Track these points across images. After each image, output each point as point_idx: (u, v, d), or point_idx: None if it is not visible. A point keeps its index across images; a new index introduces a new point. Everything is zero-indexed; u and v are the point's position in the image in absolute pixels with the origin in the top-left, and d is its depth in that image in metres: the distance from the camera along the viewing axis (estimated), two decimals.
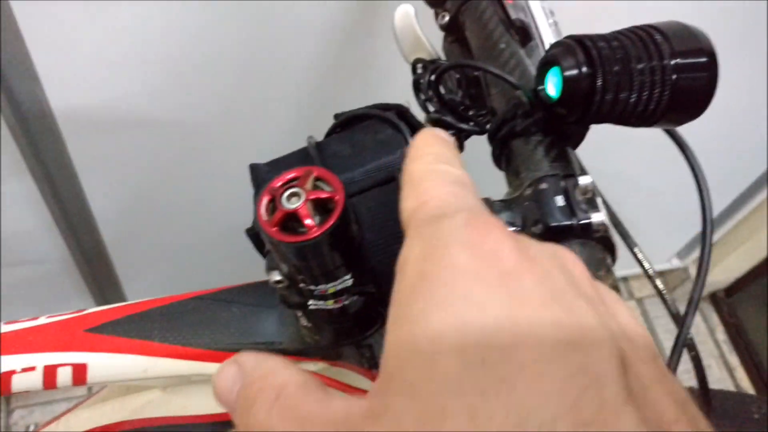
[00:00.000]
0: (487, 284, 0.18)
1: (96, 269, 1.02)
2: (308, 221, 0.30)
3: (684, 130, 0.38)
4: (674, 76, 0.32)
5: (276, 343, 0.40)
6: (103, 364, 0.42)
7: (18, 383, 0.43)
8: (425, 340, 0.18)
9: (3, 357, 0.43)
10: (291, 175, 0.31)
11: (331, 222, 0.30)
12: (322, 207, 0.31)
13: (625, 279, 1.63)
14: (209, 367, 0.41)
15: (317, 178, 0.31)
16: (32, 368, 0.43)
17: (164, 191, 0.90)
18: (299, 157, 0.38)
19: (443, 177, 0.23)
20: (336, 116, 0.40)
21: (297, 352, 0.40)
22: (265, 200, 0.31)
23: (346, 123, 0.39)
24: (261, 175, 0.38)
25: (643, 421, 0.17)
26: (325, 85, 0.80)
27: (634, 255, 0.47)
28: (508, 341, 0.17)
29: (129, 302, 0.44)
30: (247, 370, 0.23)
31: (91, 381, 0.42)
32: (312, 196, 0.30)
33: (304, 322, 0.38)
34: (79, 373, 0.42)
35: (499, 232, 0.20)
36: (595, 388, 0.17)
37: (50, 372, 0.42)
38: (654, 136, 0.44)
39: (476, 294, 0.18)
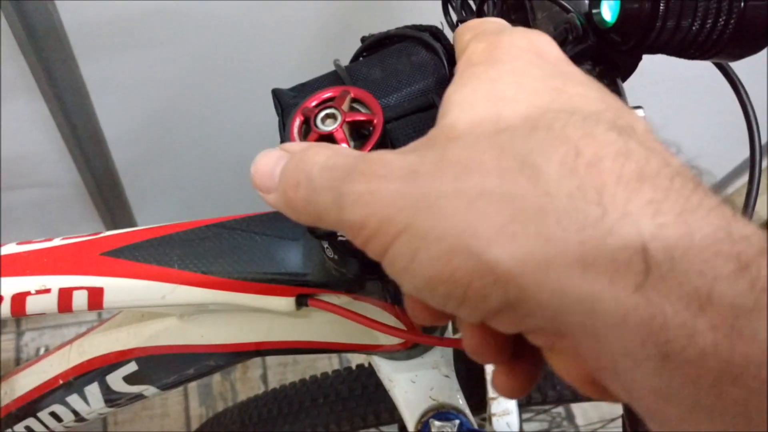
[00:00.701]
0: (541, 65, 0.23)
1: (106, 194, 1.01)
2: (345, 145, 0.28)
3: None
4: (742, 4, 0.30)
5: (300, 274, 0.39)
6: (120, 289, 0.40)
7: (32, 305, 0.42)
8: (494, 75, 0.22)
9: (17, 278, 0.42)
10: (327, 94, 0.29)
11: (369, 146, 0.28)
12: (357, 131, 0.29)
13: None
14: (229, 296, 0.39)
15: (354, 99, 0.29)
16: (47, 290, 0.42)
17: (178, 115, 0.87)
18: (327, 82, 0.36)
19: (496, 20, 0.27)
20: (363, 39, 0.37)
21: (321, 285, 0.39)
22: (297, 121, 0.29)
23: (375, 46, 0.37)
24: (286, 100, 0.36)
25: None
26: (347, 5, 0.77)
27: None
28: (565, 84, 0.22)
29: (147, 226, 0.42)
30: (294, 150, 0.24)
31: (108, 306, 0.41)
32: (349, 119, 0.28)
33: (330, 254, 0.36)
34: (95, 297, 0.41)
35: (546, 38, 0.25)
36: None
37: (65, 295, 0.41)
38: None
39: (535, 70, 0.22)
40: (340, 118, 0.28)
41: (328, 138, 0.28)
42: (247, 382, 1.33)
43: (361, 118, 0.28)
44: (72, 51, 0.72)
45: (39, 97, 0.81)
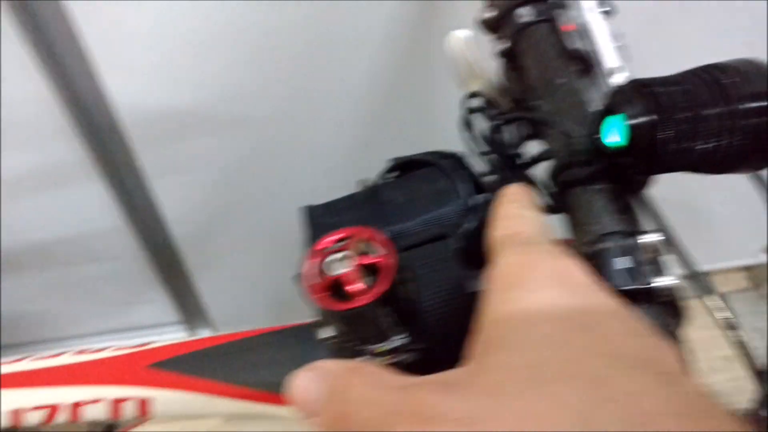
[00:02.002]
0: (568, 287, 0.24)
1: (166, 266, 1.05)
2: (355, 287, 0.29)
3: None
4: (744, 122, 0.30)
5: None
6: (165, 400, 0.43)
7: (87, 413, 0.45)
8: (524, 313, 0.23)
9: (74, 387, 0.45)
10: (339, 236, 0.31)
11: (379, 288, 0.29)
12: (371, 268, 0.30)
13: (708, 273, 1.55)
14: (268, 409, 0.41)
15: (366, 240, 0.31)
16: (100, 400, 0.44)
17: (232, 194, 0.91)
18: (352, 203, 0.38)
19: (531, 218, 0.29)
20: (391, 160, 0.39)
21: None
22: (311, 263, 0.31)
23: (402, 167, 0.39)
24: (315, 218, 0.38)
25: None
26: (383, 109, 0.80)
27: (681, 260, 0.43)
28: (591, 317, 0.23)
29: (192, 338, 0.45)
30: (331, 370, 0.24)
31: (155, 415, 0.43)
32: (360, 261, 0.30)
33: None
34: (144, 407, 0.43)
35: (573, 260, 0.26)
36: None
37: (117, 405, 0.44)
38: None
39: (561, 290, 0.24)
40: (351, 261, 0.30)
41: (340, 280, 0.30)
42: None
43: (372, 260, 0.30)
44: (129, 141, 0.77)
45: (98, 181, 0.86)
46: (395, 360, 0.34)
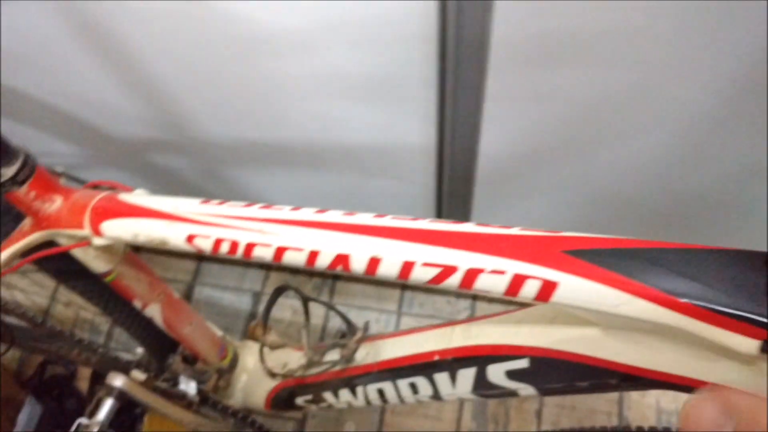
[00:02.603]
0: None
1: (453, 203, 1.07)
2: None
3: None
4: None
5: None
6: (575, 288, 0.42)
7: (482, 282, 0.46)
8: None
9: (475, 254, 0.46)
10: None
11: None
12: None
13: None
14: (687, 322, 0.39)
15: None
16: (502, 272, 0.45)
17: (557, 139, 0.90)
18: None
19: None
20: None
21: None
22: None
23: None
24: None
25: None
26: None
27: None
28: None
29: (610, 236, 0.44)
30: (738, 402, 0.23)
31: (556, 300, 0.43)
32: None
33: None
34: (547, 289, 0.43)
35: None
36: None
37: (518, 281, 0.44)
38: None
39: None
40: None
41: None
42: (522, 413, 1.32)
43: None
44: (487, 60, 0.78)
45: (433, 99, 0.88)
46: None
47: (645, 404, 1.29)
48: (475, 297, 1.49)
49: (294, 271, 1.54)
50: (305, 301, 0.85)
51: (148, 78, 0.96)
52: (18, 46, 0.95)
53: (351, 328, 0.77)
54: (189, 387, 0.94)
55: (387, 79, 0.89)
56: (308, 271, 1.53)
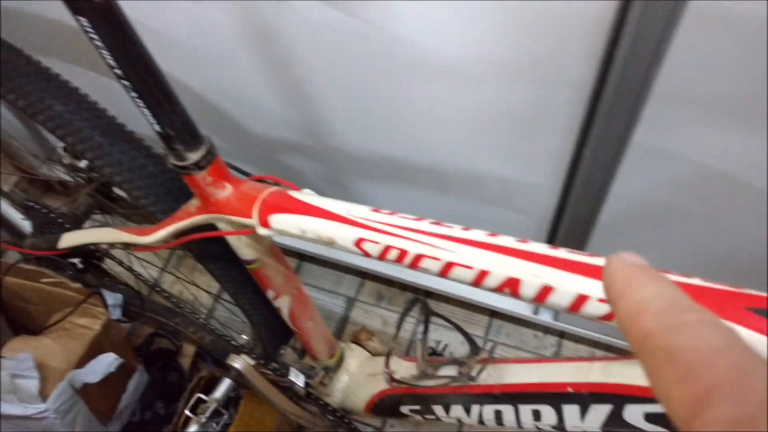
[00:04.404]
0: None
1: (566, 240, 1.09)
2: None
3: None
4: None
5: None
6: (757, 346, 0.44)
7: None
8: None
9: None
10: None
11: None
12: None
13: None
14: None
15: None
16: None
17: (692, 202, 0.91)
18: None
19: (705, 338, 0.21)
20: None
21: None
22: None
23: None
24: None
25: None
26: None
27: None
28: None
29: None
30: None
31: None
32: None
33: None
34: None
35: None
36: None
37: None
38: None
39: None
40: None
41: None
42: None
43: None
44: (639, 113, 0.80)
45: (572, 141, 0.91)
46: None
47: None
48: (562, 335, 1.50)
49: (388, 282, 1.58)
50: (428, 315, 0.89)
51: (302, 83, 1.02)
52: (188, 38, 1.02)
53: (474, 347, 0.80)
54: (298, 379, 0.99)
55: (529, 118, 0.92)
56: (402, 284, 1.56)
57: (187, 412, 0.98)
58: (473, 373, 0.78)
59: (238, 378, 0.96)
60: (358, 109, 1.05)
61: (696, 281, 0.49)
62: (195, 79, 1.12)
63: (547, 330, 1.51)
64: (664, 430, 0.57)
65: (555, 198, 1.06)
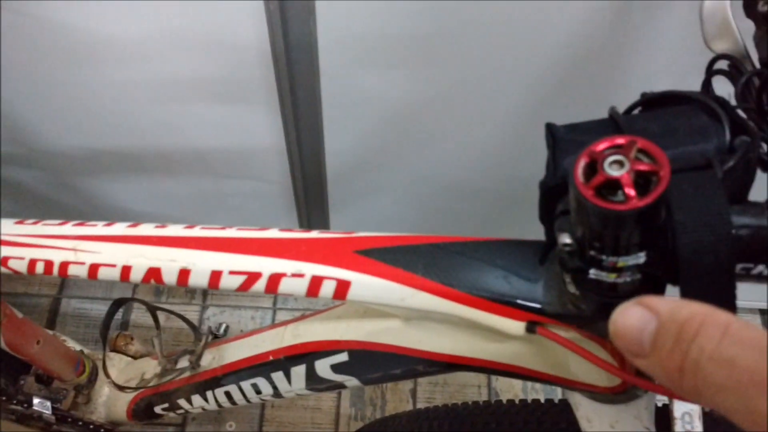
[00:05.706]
0: None
1: (310, 197, 1.09)
2: (630, 191, 0.30)
3: None
4: None
5: (536, 302, 0.41)
6: (365, 285, 0.45)
7: (285, 286, 0.48)
8: None
9: (277, 259, 0.48)
10: (618, 141, 0.31)
11: (653, 196, 0.30)
12: (638, 180, 0.31)
13: None
14: (463, 310, 0.42)
15: (641, 150, 0.31)
16: (301, 275, 0.47)
17: (396, 134, 0.93)
18: (600, 126, 0.38)
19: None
20: (644, 94, 0.39)
21: (554, 316, 0.41)
22: (583, 162, 0.31)
23: (653, 103, 0.39)
24: (559, 134, 0.39)
25: None
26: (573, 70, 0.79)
27: None
28: None
29: (397, 234, 0.46)
30: (663, 311, 0.24)
31: (351, 298, 0.46)
32: (636, 167, 0.30)
33: (571, 288, 0.38)
34: (342, 288, 0.46)
35: None
36: None
37: (316, 282, 0.47)
38: None
39: None
40: (627, 166, 0.31)
41: (613, 182, 0.30)
42: (397, 393, 1.37)
43: (648, 168, 0.30)
44: (318, 64, 0.80)
45: (276, 101, 0.90)
46: (623, 280, 0.35)
47: None
48: None
49: None
50: (152, 310, 0.85)
51: None
52: None
53: (197, 333, 0.77)
54: (43, 407, 0.92)
55: (227, 85, 0.89)
56: None
57: None
58: (201, 360, 0.76)
59: None
60: (56, 106, 0.96)
61: (313, 234, 0.49)
62: None
63: None
64: (351, 377, 0.58)
65: (285, 160, 1.05)
